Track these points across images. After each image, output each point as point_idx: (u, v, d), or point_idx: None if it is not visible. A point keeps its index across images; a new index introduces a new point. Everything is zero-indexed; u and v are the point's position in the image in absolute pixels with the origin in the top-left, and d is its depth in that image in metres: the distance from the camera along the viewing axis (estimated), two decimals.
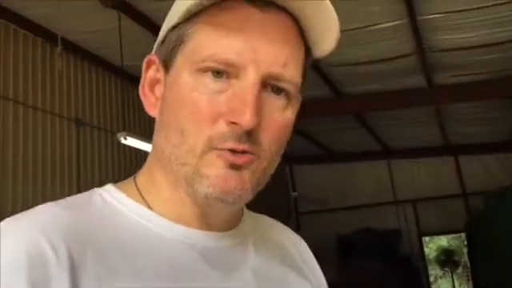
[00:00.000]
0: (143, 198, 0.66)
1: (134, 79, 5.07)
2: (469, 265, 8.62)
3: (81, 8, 3.87)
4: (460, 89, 5.71)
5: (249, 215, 0.77)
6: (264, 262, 0.71)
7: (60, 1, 3.72)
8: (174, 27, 0.64)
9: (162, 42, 0.66)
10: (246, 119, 0.58)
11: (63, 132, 4.32)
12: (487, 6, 4.12)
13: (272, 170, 0.65)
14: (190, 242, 0.64)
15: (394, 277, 7.38)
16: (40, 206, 0.61)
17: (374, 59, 5.04)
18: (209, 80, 0.60)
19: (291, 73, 0.62)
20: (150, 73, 0.68)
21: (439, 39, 4.70)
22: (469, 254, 7.83)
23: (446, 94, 5.87)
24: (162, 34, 0.67)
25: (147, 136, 3.99)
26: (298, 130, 7.15)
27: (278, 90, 0.62)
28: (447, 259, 10.56)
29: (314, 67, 5.04)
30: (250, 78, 0.59)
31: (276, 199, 7.38)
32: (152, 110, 0.68)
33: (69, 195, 0.67)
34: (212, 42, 0.60)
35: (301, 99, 0.67)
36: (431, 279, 11.84)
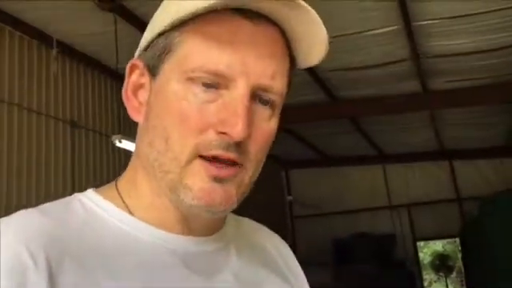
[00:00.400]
0: (124, 202, 0.66)
1: None
2: (463, 270, 8.63)
3: (77, 11, 3.87)
4: (454, 94, 5.74)
5: (233, 218, 0.77)
6: (246, 265, 0.72)
7: (56, 3, 3.72)
8: (159, 34, 0.64)
9: (147, 47, 0.67)
10: (238, 131, 0.58)
11: (58, 134, 4.31)
12: (481, 13, 4.15)
13: (255, 177, 0.66)
14: (171, 247, 0.64)
15: (389, 281, 7.38)
16: (20, 213, 0.61)
17: (369, 64, 5.06)
18: (198, 90, 0.60)
19: (278, 85, 0.63)
20: (134, 77, 0.68)
21: (434, 45, 4.72)
22: (463, 259, 7.85)
23: (441, 100, 5.90)
24: (146, 39, 0.67)
25: None
26: (293, 134, 7.17)
27: (265, 101, 0.63)
28: (441, 264, 10.56)
29: (309, 72, 5.05)
30: (240, 89, 0.60)
31: (271, 203, 7.38)
32: (135, 115, 0.67)
33: (63, 198, 0.67)
34: (202, 53, 0.60)
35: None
36: (425, 284, 11.84)
